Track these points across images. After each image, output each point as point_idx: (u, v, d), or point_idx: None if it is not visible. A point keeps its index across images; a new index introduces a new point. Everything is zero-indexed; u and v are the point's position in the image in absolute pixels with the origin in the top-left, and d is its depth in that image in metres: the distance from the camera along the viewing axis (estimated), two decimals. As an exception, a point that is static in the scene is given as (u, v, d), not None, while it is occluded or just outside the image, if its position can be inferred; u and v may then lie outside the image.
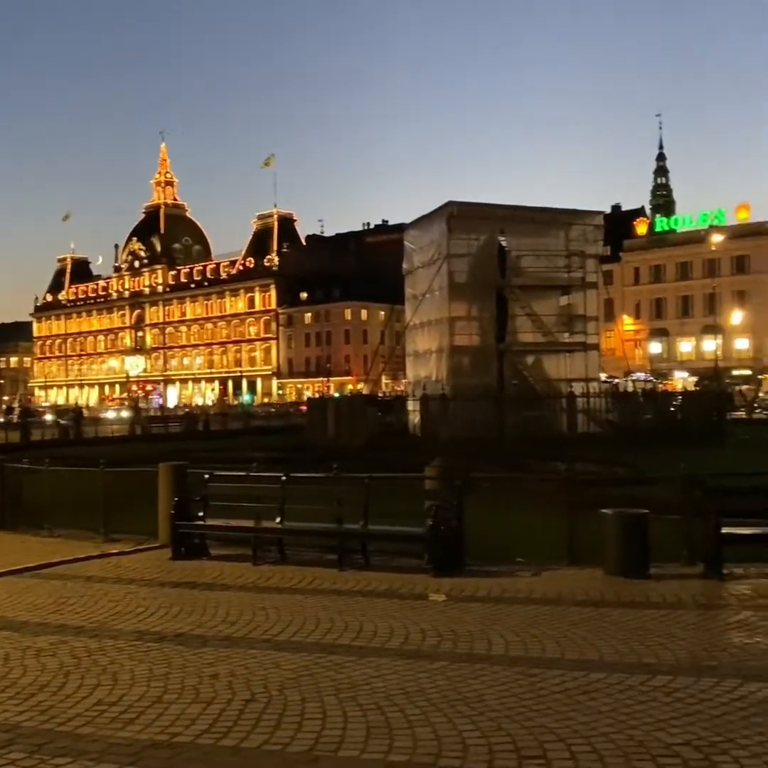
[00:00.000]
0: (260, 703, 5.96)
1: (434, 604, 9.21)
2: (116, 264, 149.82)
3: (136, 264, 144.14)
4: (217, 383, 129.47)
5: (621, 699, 5.86)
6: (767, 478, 11.83)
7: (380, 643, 7.52)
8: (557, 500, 11.74)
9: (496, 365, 38.44)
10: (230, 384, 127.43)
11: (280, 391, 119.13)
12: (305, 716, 5.66)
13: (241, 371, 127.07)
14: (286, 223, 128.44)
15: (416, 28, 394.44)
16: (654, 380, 77.81)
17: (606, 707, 5.69)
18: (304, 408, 66.07)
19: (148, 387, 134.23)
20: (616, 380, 67.67)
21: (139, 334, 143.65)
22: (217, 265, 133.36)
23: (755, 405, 56.90)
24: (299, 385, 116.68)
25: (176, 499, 12.38)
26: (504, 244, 38.81)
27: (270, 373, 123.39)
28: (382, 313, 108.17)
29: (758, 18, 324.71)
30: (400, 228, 54.39)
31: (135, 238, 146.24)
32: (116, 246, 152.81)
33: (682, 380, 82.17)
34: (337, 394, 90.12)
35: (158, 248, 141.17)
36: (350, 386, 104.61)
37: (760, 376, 77.65)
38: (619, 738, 5.13)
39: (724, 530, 9.93)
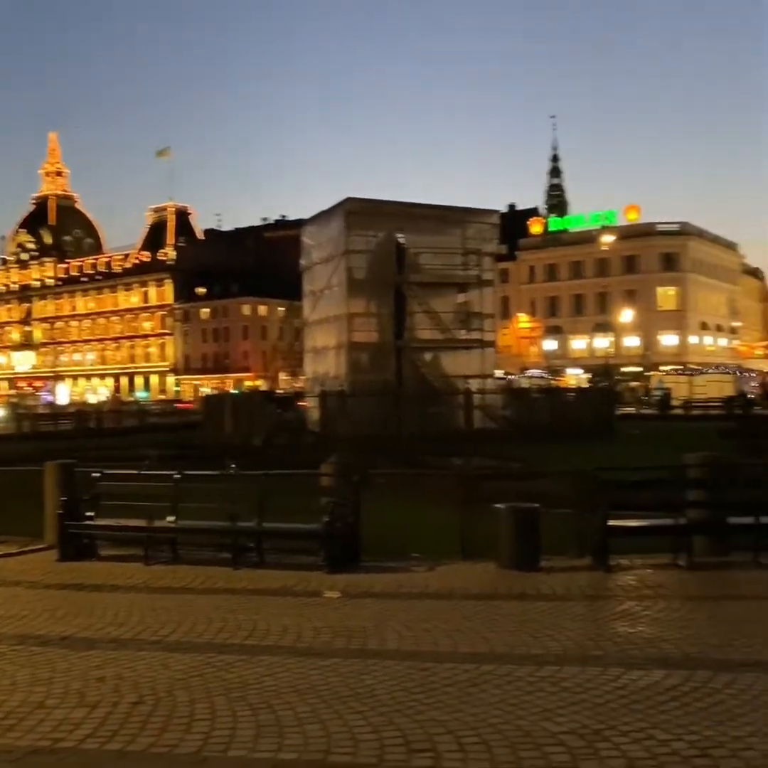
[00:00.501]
0: (148, 705, 5.82)
1: (329, 600, 9.18)
2: (2, 256, 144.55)
3: (24, 256, 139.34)
4: (110, 380, 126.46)
5: (509, 690, 5.94)
6: (653, 472, 12.30)
7: (273, 641, 7.45)
8: (453, 496, 11.88)
9: (394, 362, 38.67)
10: (125, 380, 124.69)
11: (177, 388, 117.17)
12: (194, 717, 5.55)
13: (135, 367, 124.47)
14: (183, 217, 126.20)
15: (314, 26, 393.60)
16: (548, 377, 79.66)
17: (495, 699, 5.76)
18: (186, 406, 65.05)
19: (37, 383, 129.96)
20: (511, 377, 69.09)
21: (27, 328, 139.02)
22: (110, 258, 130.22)
23: (644, 400, 58.92)
24: (196, 382, 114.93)
25: (64, 498, 12.02)
26: (402, 241, 39.03)
27: (166, 369, 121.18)
28: (281, 309, 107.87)
29: (665, 19, 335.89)
30: (299, 224, 54.12)
31: (23, 230, 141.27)
32: (3, 237, 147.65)
33: (575, 377, 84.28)
34: (235, 391, 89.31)
35: (48, 240, 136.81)
36: (249, 383, 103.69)
37: (648, 373, 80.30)
38: (506, 728, 5.19)
39: (611, 523, 10.23)
